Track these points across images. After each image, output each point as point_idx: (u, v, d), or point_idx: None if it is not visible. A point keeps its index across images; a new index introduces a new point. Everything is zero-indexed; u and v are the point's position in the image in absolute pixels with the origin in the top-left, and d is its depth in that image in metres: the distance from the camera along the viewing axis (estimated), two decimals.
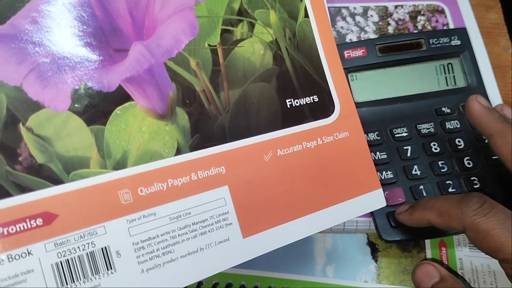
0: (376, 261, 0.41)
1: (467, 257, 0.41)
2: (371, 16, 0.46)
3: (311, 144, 0.34)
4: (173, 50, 0.30)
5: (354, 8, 0.47)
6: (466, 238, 0.37)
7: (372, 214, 0.38)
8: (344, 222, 0.38)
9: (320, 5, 0.36)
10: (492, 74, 0.45)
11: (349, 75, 0.42)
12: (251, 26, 0.33)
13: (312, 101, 0.34)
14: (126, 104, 0.28)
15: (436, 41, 0.43)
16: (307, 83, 0.34)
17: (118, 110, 0.28)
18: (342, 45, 0.42)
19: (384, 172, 0.38)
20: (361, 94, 0.41)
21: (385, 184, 0.38)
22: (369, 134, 0.39)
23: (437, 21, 0.47)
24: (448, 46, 0.43)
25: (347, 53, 0.42)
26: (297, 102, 0.34)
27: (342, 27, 0.46)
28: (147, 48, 0.29)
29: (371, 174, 0.35)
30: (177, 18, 0.30)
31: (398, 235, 0.37)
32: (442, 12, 0.48)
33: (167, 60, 0.30)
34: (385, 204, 0.35)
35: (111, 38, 0.28)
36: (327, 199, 0.33)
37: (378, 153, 0.39)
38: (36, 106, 0.26)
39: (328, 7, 0.46)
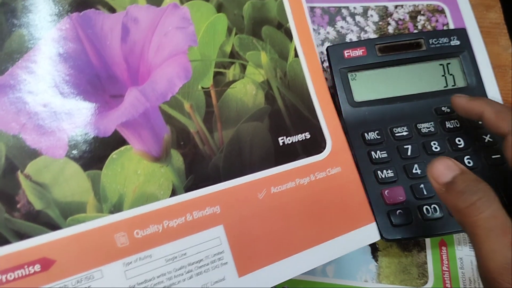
0: (376, 260, 0.41)
1: (467, 257, 0.41)
2: (371, 16, 0.47)
3: (304, 180, 0.34)
4: (168, 94, 0.31)
5: (354, 8, 0.47)
6: (467, 237, 0.38)
7: (372, 213, 0.37)
8: None
9: (309, 44, 0.37)
10: (492, 74, 0.45)
11: (349, 75, 0.42)
12: (243, 67, 0.34)
13: (304, 138, 0.35)
14: (122, 148, 0.29)
15: (435, 41, 0.43)
16: (298, 121, 0.35)
17: (114, 154, 0.29)
18: (342, 44, 0.42)
19: (384, 171, 0.38)
20: (361, 93, 0.42)
21: (385, 183, 0.38)
22: (369, 133, 0.39)
23: (437, 21, 0.48)
24: (448, 46, 0.43)
25: (347, 52, 0.42)
26: (289, 140, 0.35)
27: (342, 27, 0.46)
28: (142, 93, 0.30)
29: (364, 208, 0.36)
30: (171, 62, 0.31)
31: (399, 233, 0.36)
32: (442, 12, 0.48)
33: (161, 103, 0.31)
34: (379, 238, 0.35)
35: (107, 85, 0.29)
36: (322, 234, 0.34)
37: (378, 152, 0.39)
38: (34, 154, 0.27)
39: (328, 7, 0.46)
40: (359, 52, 0.41)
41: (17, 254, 0.25)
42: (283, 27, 0.37)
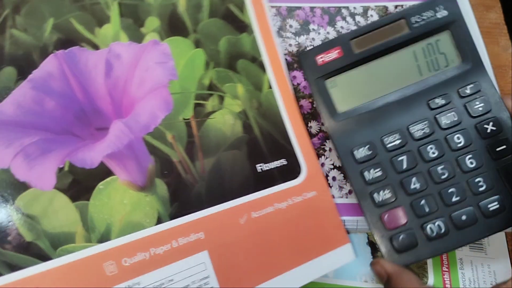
0: None
1: (467, 257, 0.41)
2: (371, 16, 0.47)
3: (282, 205, 0.36)
4: (151, 125, 0.32)
5: (354, 8, 0.47)
6: None
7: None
8: (344, 220, 0.39)
9: (281, 75, 0.40)
10: (492, 74, 0.44)
11: (326, 83, 0.37)
12: (221, 99, 0.36)
13: (280, 164, 0.37)
14: (108, 179, 0.30)
15: (419, 18, 0.36)
16: (275, 148, 0.37)
17: (100, 185, 0.30)
18: (314, 49, 0.37)
19: (381, 192, 0.35)
20: (343, 102, 0.37)
21: (383, 205, 0.35)
22: (359, 150, 0.36)
23: None
24: (434, 20, 0.36)
25: (319, 58, 0.37)
26: (267, 167, 0.36)
27: (342, 27, 0.46)
28: (126, 125, 0.31)
29: (339, 230, 0.38)
30: (153, 96, 0.33)
31: (405, 259, 0.34)
32: None
33: (145, 135, 0.32)
34: (354, 258, 0.37)
35: (92, 118, 0.31)
36: (300, 256, 0.35)
37: (372, 170, 0.35)
38: (24, 187, 0.27)
39: (328, 7, 0.46)
40: (333, 54, 0.37)
41: (8, 286, 0.25)
42: (257, 61, 0.39)
